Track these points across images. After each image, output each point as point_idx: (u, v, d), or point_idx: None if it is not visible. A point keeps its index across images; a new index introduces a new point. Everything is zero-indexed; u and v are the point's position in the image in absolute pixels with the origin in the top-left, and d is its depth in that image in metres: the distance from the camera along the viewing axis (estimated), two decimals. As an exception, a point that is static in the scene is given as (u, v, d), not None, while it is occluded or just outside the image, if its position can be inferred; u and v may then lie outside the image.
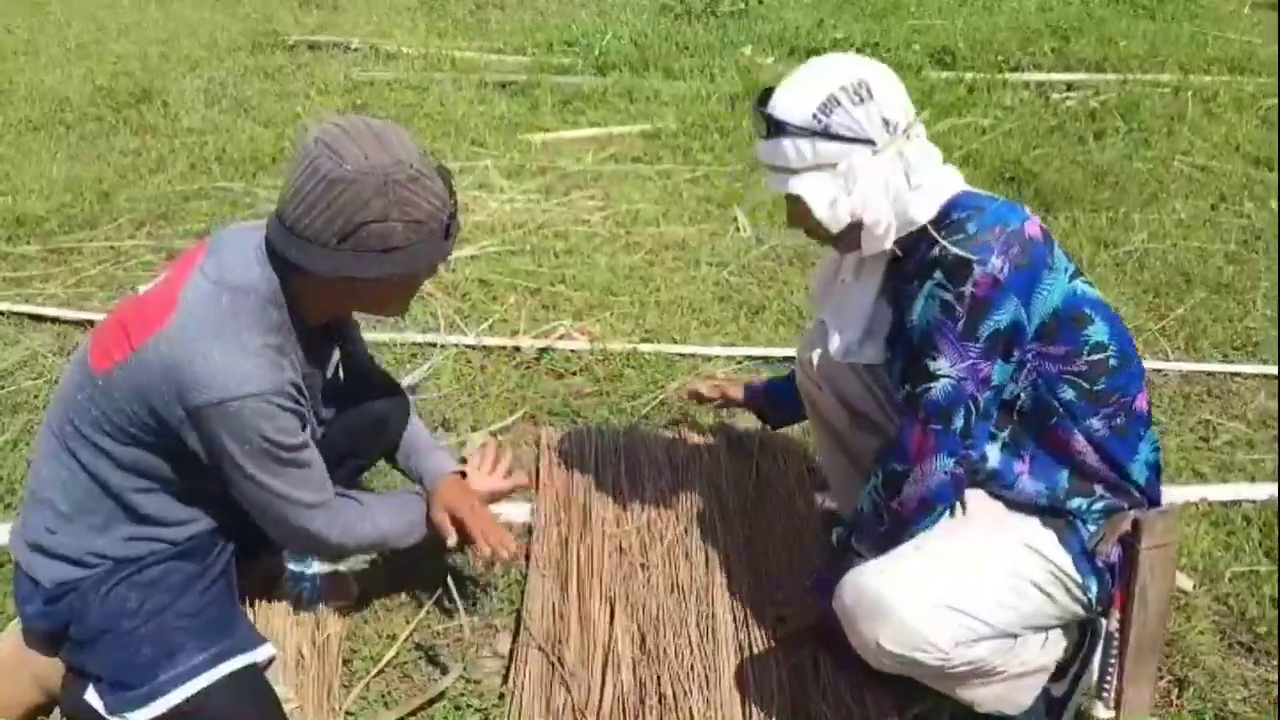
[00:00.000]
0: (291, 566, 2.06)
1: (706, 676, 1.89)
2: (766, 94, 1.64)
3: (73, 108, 4.75)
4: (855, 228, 1.64)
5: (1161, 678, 1.90)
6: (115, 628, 1.63)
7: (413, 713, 1.88)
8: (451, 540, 1.87)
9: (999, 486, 1.71)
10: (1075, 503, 1.68)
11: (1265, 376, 2.86)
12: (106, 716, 1.60)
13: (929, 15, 6.03)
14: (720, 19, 6.01)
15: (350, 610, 2.05)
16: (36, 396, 2.73)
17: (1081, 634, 1.79)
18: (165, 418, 1.56)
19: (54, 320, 3.08)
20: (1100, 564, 1.67)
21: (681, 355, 2.92)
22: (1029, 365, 1.63)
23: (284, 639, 1.90)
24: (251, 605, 1.92)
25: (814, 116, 1.57)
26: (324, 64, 5.38)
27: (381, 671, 1.95)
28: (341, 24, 6.06)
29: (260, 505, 1.66)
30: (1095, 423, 1.66)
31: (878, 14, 6.07)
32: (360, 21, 6.11)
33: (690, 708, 1.82)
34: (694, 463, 2.43)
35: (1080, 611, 1.71)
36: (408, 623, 2.04)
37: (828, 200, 1.62)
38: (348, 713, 1.87)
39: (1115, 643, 1.65)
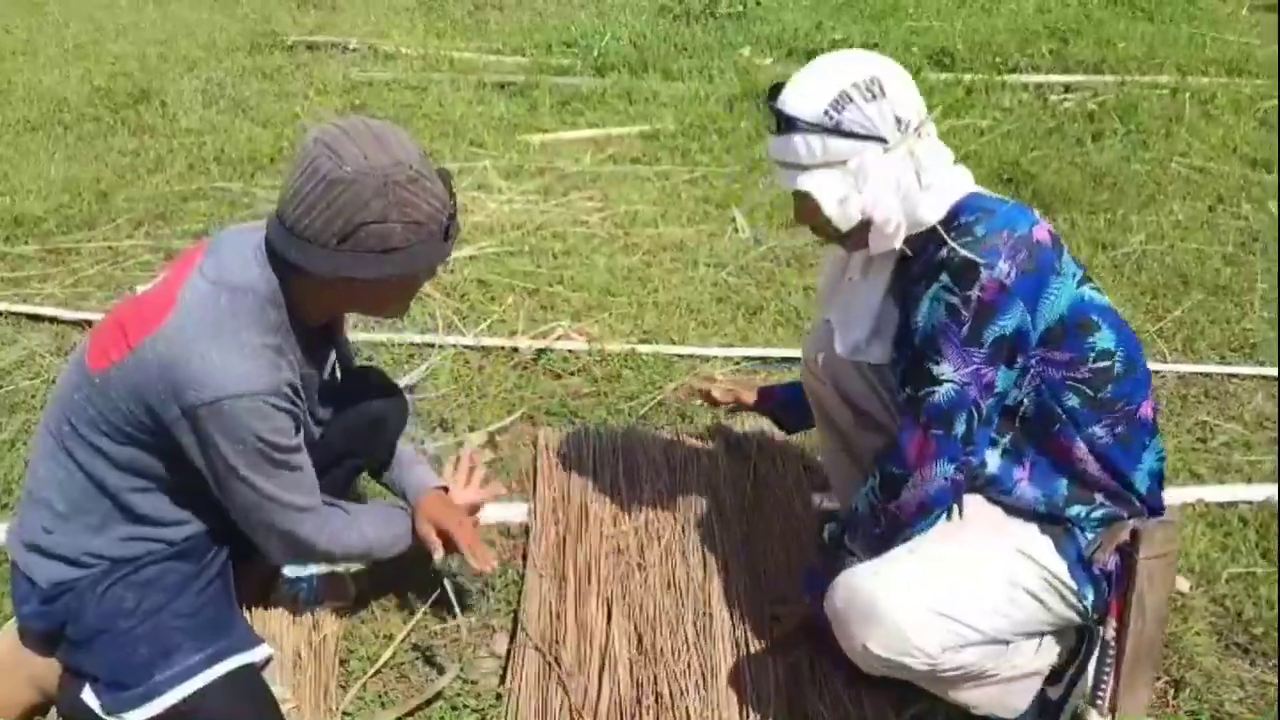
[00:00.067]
0: (288, 568, 2.06)
1: (703, 676, 1.89)
2: (777, 89, 1.62)
3: (71, 108, 4.75)
4: (864, 226, 1.62)
5: (1158, 678, 1.90)
6: (112, 627, 1.63)
7: (410, 713, 1.88)
8: (438, 554, 1.88)
9: (997, 492, 1.70)
10: (1074, 510, 1.67)
11: (1262, 378, 2.86)
12: (103, 716, 1.59)
13: (927, 17, 6.03)
14: (719, 20, 6.01)
15: (347, 611, 2.05)
16: (34, 396, 2.73)
17: (1079, 638, 1.77)
18: (161, 416, 1.55)
19: (52, 320, 3.08)
20: (1097, 572, 1.66)
21: (680, 356, 2.93)
22: (1033, 371, 1.62)
23: (281, 639, 1.90)
24: (248, 606, 1.92)
25: (825, 113, 1.56)
26: (322, 64, 5.38)
27: (378, 672, 1.95)
28: (340, 24, 6.06)
29: (249, 508, 1.65)
30: (1098, 430, 1.64)
31: (876, 15, 6.07)
32: (358, 22, 6.11)
33: (687, 707, 1.82)
34: (692, 463, 2.44)
35: (1076, 619, 1.70)
36: (405, 623, 2.04)
37: (837, 198, 1.60)
38: (345, 713, 1.87)
39: (1111, 650, 1.65)
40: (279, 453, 1.61)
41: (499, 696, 1.90)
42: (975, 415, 1.59)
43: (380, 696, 1.91)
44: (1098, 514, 1.67)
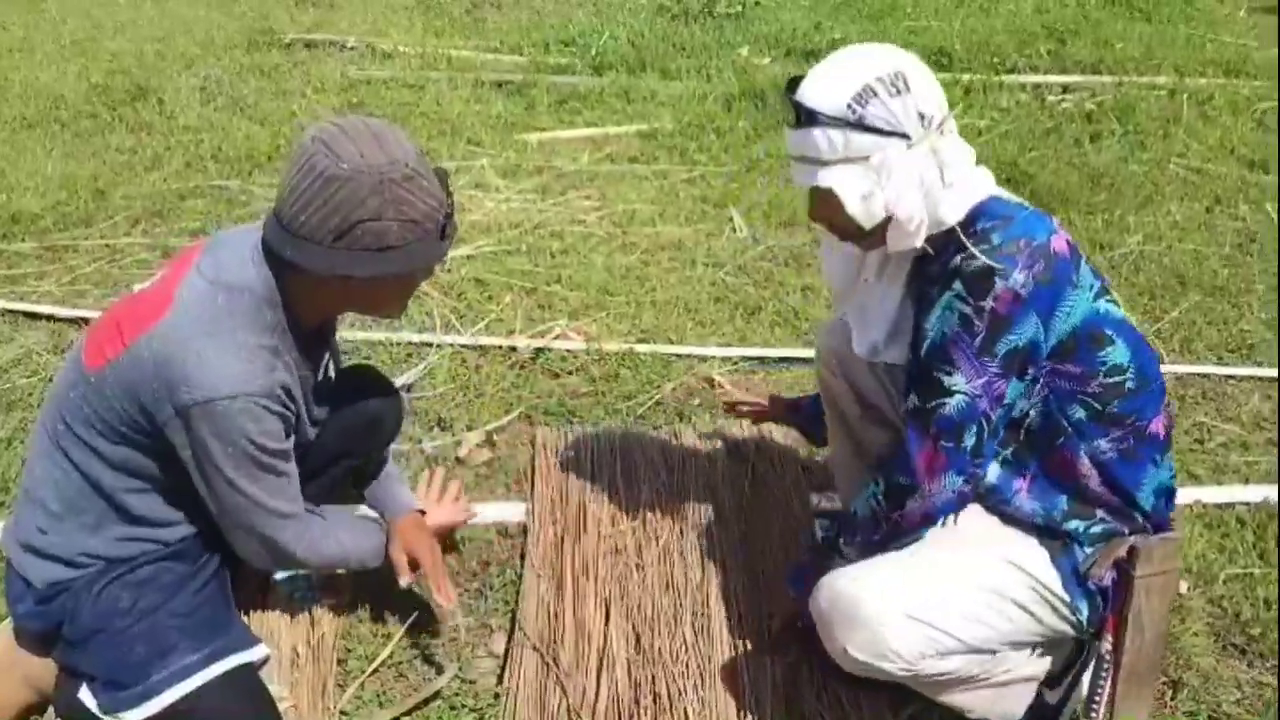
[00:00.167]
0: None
1: (701, 676, 1.89)
2: (795, 82, 1.57)
3: (68, 105, 4.74)
4: (883, 224, 1.57)
5: (1159, 695, 1.90)
6: (108, 627, 1.63)
7: (408, 712, 1.87)
8: (404, 581, 1.88)
9: (995, 501, 1.68)
10: (1072, 525, 1.64)
11: (1260, 379, 2.87)
12: (100, 716, 1.59)
13: (925, 17, 6.03)
14: (717, 20, 6.01)
15: (345, 610, 2.04)
16: (31, 394, 2.72)
17: (1077, 646, 1.76)
18: (154, 415, 1.55)
19: (49, 318, 3.08)
20: (1092, 586, 1.64)
21: (677, 355, 2.92)
22: (1041, 382, 1.59)
23: (279, 638, 1.90)
24: (246, 605, 1.92)
25: (849, 106, 1.50)
26: (320, 62, 5.37)
27: (376, 671, 1.95)
28: (338, 22, 6.05)
29: (231, 510, 1.64)
30: (1103, 444, 1.61)
31: (874, 15, 6.07)
32: (356, 20, 6.10)
33: (685, 708, 1.82)
34: (690, 463, 2.43)
35: (1070, 631, 1.68)
36: (403, 622, 2.03)
37: (860, 194, 1.54)
38: (342, 712, 1.87)
39: (1107, 664, 1.63)
40: (267, 456, 1.61)
41: (497, 696, 1.90)
42: (985, 427, 1.57)
43: (378, 696, 1.91)
44: (1096, 529, 1.65)
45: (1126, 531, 1.65)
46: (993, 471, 1.66)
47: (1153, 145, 4.37)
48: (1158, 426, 1.64)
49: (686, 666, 1.91)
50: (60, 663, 1.70)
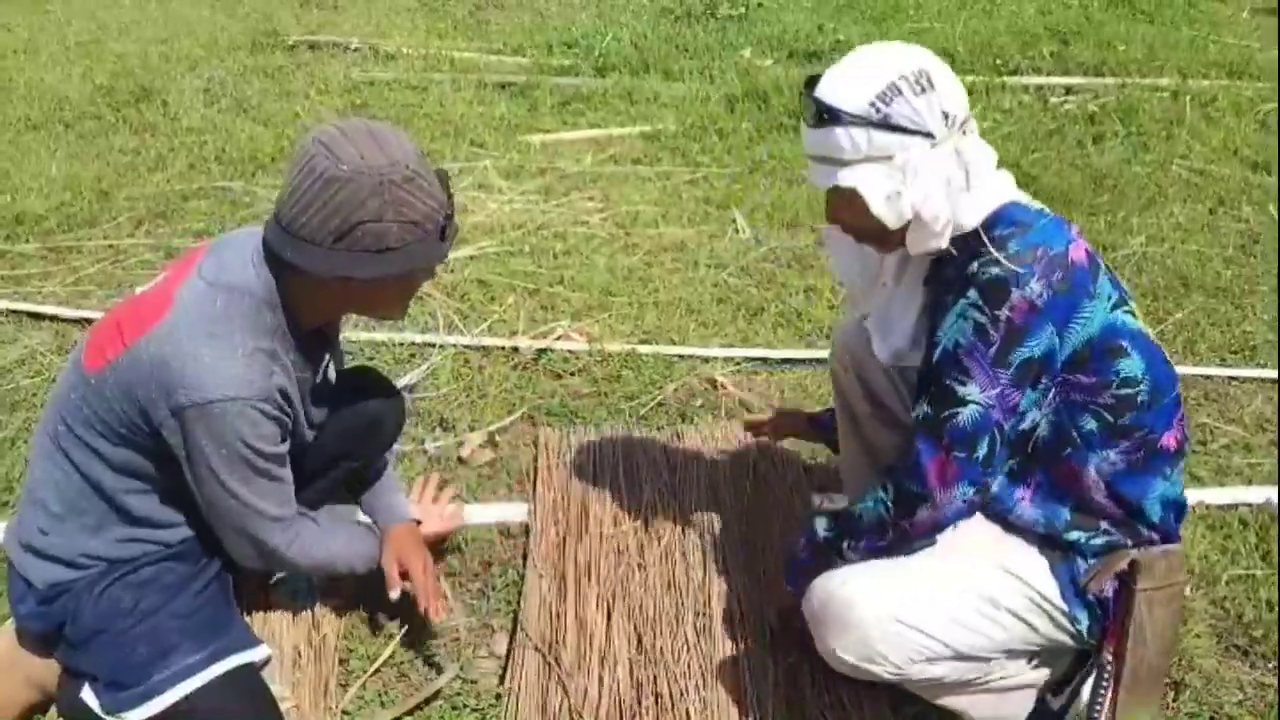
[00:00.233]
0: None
1: (703, 676, 1.89)
2: (814, 80, 1.53)
3: (72, 106, 4.75)
4: (903, 226, 1.54)
5: (1165, 706, 1.90)
6: (110, 627, 1.63)
7: (409, 712, 1.88)
8: (394, 593, 1.88)
9: (996, 510, 1.66)
10: (1075, 535, 1.63)
11: (1262, 381, 2.86)
12: (102, 716, 1.59)
13: (928, 18, 6.03)
14: (720, 21, 6.02)
15: (346, 610, 2.04)
16: (35, 395, 2.73)
17: (1083, 653, 1.73)
18: (151, 417, 1.55)
19: (53, 318, 3.08)
20: (1091, 597, 1.62)
21: (680, 356, 2.92)
22: (1053, 393, 1.57)
23: (280, 638, 1.90)
24: (248, 605, 1.92)
25: (872, 105, 1.47)
26: (324, 64, 5.38)
27: (378, 671, 1.95)
28: (341, 24, 6.06)
29: (223, 512, 1.64)
30: (1112, 455, 1.59)
31: (877, 17, 6.08)
32: (360, 22, 6.12)
33: (687, 708, 1.82)
34: (691, 464, 2.43)
35: (1069, 641, 1.66)
36: (404, 623, 2.04)
37: (885, 194, 1.51)
38: (344, 712, 1.87)
39: (1107, 674, 1.62)
40: (261, 459, 1.61)
41: (498, 696, 1.90)
42: (997, 438, 1.54)
43: (380, 695, 1.91)
44: (1099, 541, 1.63)
45: (1129, 544, 1.63)
46: (995, 480, 1.64)
47: (1156, 147, 4.37)
48: (1170, 440, 1.61)
49: (688, 667, 1.91)
50: (62, 663, 1.70)
